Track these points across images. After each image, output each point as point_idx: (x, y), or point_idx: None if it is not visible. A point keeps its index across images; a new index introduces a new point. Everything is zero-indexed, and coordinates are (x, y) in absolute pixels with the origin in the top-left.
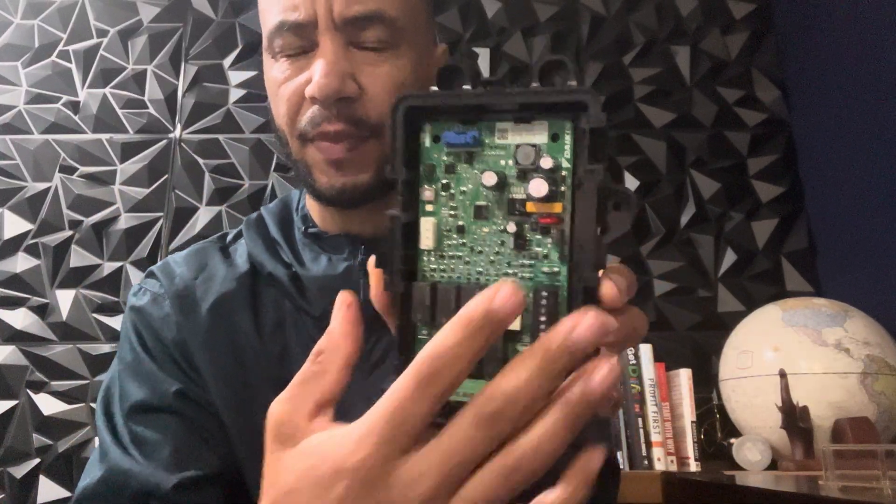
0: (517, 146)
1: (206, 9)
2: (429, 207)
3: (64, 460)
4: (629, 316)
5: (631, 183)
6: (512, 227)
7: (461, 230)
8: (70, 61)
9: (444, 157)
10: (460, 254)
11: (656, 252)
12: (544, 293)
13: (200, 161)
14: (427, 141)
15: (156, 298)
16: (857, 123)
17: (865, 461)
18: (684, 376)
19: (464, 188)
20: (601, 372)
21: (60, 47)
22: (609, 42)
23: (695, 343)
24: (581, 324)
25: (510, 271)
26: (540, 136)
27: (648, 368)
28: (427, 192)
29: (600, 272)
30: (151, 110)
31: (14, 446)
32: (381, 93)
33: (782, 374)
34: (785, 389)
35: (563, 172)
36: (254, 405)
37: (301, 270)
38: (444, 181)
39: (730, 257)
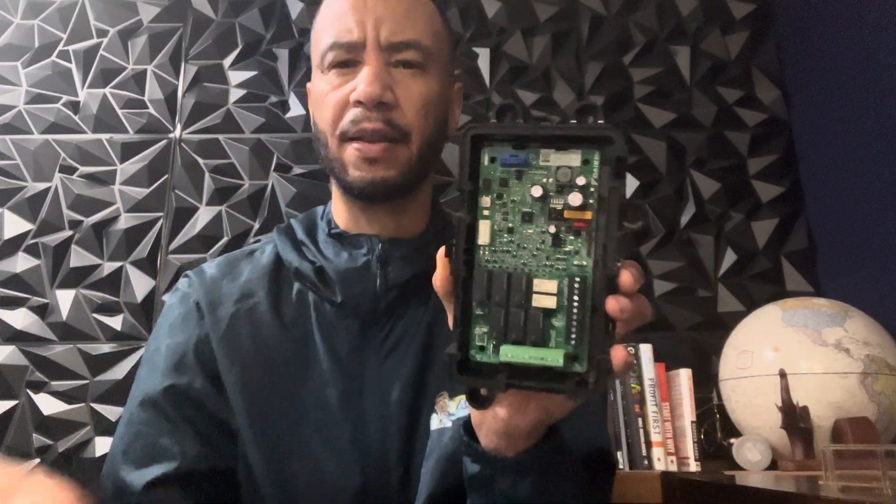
0: (557, 167)
1: (206, 9)
2: (486, 212)
3: (64, 460)
4: (639, 300)
5: (631, 183)
6: (552, 229)
7: (511, 231)
8: (70, 61)
9: (500, 174)
10: (509, 249)
11: (656, 252)
12: (576, 280)
13: (200, 161)
14: (486, 161)
15: (185, 296)
16: (857, 123)
17: (865, 461)
18: (684, 376)
19: (514, 198)
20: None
21: (60, 47)
22: (609, 42)
23: (695, 343)
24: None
25: (548, 263)
26: (575, 161)
27: (648, 368)
28: (485, 200)
29: (619, 265)
30: (151, 110)
31: (14, 446)
32: (411, 104)
33: (782, 374)
34: (785, 389)
35: (592, 189)
36: (273, 386)
37: (325, 263)
38: (499, 192)
39: (730, 257)
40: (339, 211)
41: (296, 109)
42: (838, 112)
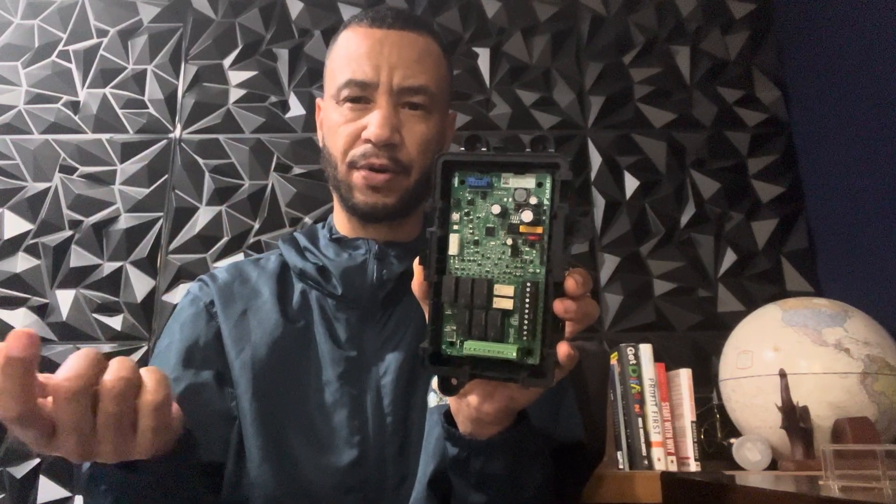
0: (515, 189)
1: (206, 9)
2: (455, 227)
3: (64, 460)
4: (585, 302)
5: (631, 183)
6: (510, 242)
7: (476, 243)
8: (70, 61)
9: (467, 194)
10: (475, 258)
11: (656, 252)
12: (528, 286)
13: (200, 161)
14: (456, 183)
15: (196, 298)
16: (857, 123)
17: (865, 461)
18: (684, 376)
19: (479, 215)
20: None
21: (60, 47)
22: (609, 42)
23: (695, 343)
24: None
25: (507, 271)
26: (530, 183)
27: (648, 368)
28: (455, 217)
29: (566, 273)
30: (151, 110)
31: (14, 446)
32: (415, 143)
33: (782, 374)
34: (785, 389)
35: (544, 207)
36: (277, 368)
37: (326, 261)
38: (466, 210)
39: (730, 257)
40: (340, 221)
41: (296, 109)
42: (838, 112)
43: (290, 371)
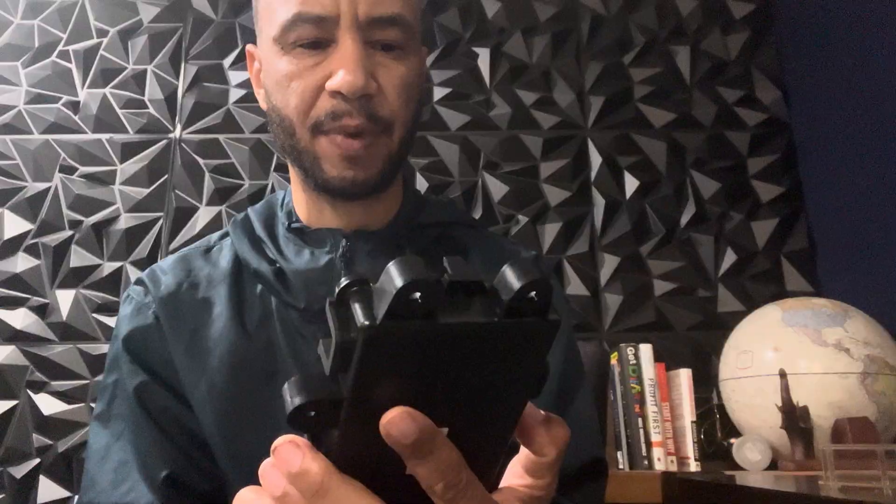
0: None
1: (206, 9)
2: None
3: (64, 460)
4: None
5: (631, 183)
6: None
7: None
8: (70, 61)
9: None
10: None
11: (656, 252)
12: None
13: (200, 161)
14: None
15: (140, 308)
16: (857, 123)
17: (865, 461)
18: (684, 376)
19: None
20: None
21: (60, 47)
22: (609, 42)
23: (695, 343)
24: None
25: None
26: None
27: (648, 368)
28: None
29: None
30: (151, 110)
31: (14, 446)
32: (394, 91)
33: (782, 374)
34: (785, 389)
35: None
36: (242, 402)
37: (285, 265)
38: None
39: (730, 257)
40: (300, 202)
41: None
42: (838, 112)
43: (256, 405)
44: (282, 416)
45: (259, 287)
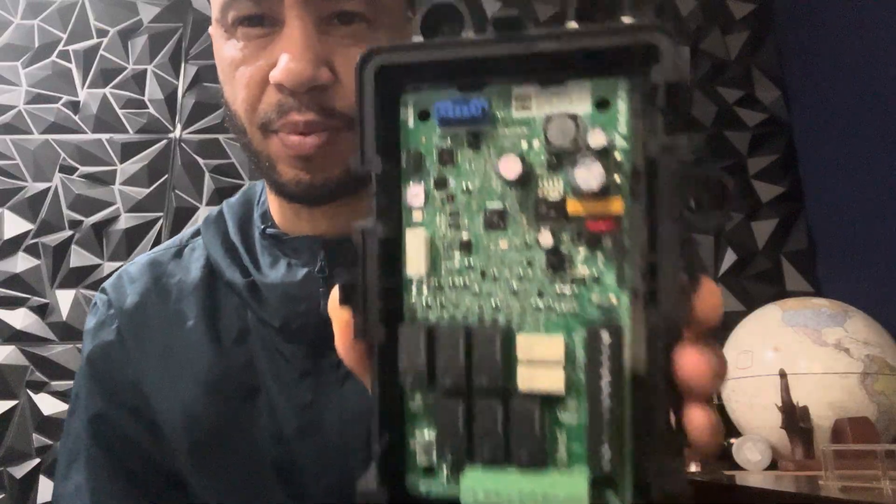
0: (548, 118)
1: (207, 9)
2: (417, 215)
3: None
4: (713, 352)
5: None
6: (546, 239)
7: (467, 247)
8: (70, 61)
9: (438, 141)
10: (467, 281)
11: None
12: (602, 335)
13: (200, 161)
14: (411, 118)
15: (103, 322)
16: (857, 123)
17: (865, 461)
18: None
19: (470, 185)
20: None
21: (60, 47)
22: None
23: None
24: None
25: (543, 304)
26: (580, 104)
27: None
28: (414, 193)
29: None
30: (151, 110)
31: (14, 446)
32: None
33: (782, 374)
34: (785, 389)
35: (618, 155)
36: (220, 428)
37: (259, 277)
38: (439, 176)
39: (730, 257)
40: (274, 203)
41: None
42: (838, 112)
43: (237, 435)
44: (262, 440)
45: (234, 297)
